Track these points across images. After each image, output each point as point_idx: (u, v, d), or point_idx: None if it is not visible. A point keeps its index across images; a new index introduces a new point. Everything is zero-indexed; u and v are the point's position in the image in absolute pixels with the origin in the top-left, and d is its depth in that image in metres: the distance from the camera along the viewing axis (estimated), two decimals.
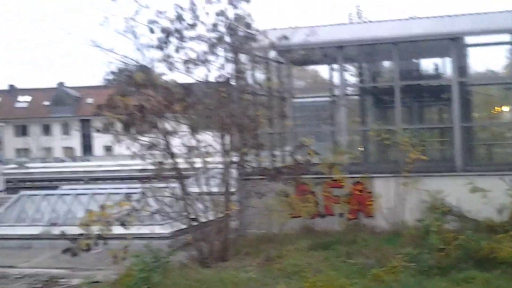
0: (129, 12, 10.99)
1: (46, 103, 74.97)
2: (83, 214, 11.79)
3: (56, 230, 12.83)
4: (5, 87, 77.99)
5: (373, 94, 18.87)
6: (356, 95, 18.92)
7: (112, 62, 11.33)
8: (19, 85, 78.80)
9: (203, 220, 11.49)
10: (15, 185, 32.32)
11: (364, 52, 16.55)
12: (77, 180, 34.59)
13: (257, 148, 11.99)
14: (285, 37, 11.97)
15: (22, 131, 73.46)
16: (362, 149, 18.20)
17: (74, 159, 56.94)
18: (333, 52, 14.45)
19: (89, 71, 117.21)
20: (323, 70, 19.79)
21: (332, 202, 13.51)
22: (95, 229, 10.03)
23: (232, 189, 12.03)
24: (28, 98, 76.77)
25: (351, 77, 18.19)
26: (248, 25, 11.59)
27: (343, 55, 14.44)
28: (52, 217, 15.90)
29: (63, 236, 10.38)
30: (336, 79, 15.78)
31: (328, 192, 13.49)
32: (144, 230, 12.93)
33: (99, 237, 10.02)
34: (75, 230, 10.37)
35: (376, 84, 18.61)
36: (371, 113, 19.06)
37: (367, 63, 18.74)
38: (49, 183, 32.89)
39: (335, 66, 15.70)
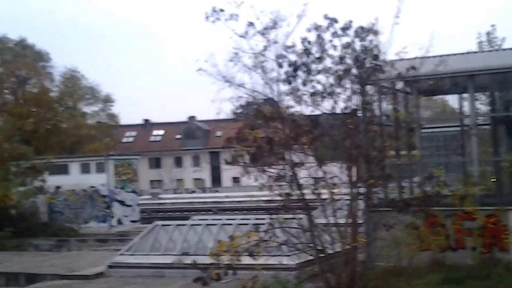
0: (257, 48, 11.28)
1: (178, 136, 78.07)
2: (213, 244, 12.10)
3: (187, 259, 13.22)
4: (140, 121, 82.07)
5: (506, 123, 18.13)
6: (488, 124, 18.27)
7: (241, 96, 11.65)
8: (154, 119, 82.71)
9: (330, 251, 11.45)
10: (149, 215, 33.73)
11: (496, 80, 16.00)
12: (206, 210, 35.59)
13: (384, 179, 11.81)
14: (413, 68, 11.82)
15: (156, 163, 76.65)
16: (495, 180, 17.48)
17: (204, 190, 58.56)
18: (463, 81, 14.11)
19: (218, 105, 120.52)
20: (452, 100, 19.30)
21: (464, 235, 13.07)
22: (225, 259, 10.25)
23: (359, 221, 11.90)
24: (161, 131, 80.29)
25: (482, 106, 17.61)
26: (375, 57, 11.54)
27: (474, 83, 14.05)
28: (183, 247, 16.42)
29: (194, 265, 10.69)
30: (466, 109, 15.34)
31: (459, 224, 13.07)
32: (272, 261, 13.04)
33: (229, 267, 10.23)
34: (205, 260, 10.67)
35: (509, 113, 17.88)
36: (504, 143, 18.30)
37: (499, 92, 18.07)
38: (181, 213, 34.08)
39: (465, 95, 15.29)
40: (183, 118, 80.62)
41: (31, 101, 54.55)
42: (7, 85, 58.30)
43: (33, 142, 42.14)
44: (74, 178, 30.52)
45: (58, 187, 30.38)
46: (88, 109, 63.75)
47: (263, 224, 11.87)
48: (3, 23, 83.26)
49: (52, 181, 29.80)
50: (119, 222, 30.08)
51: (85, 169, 30.69)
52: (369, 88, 12.53)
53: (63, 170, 30.81)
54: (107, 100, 64.77)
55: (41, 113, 53.76)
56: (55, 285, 16.17)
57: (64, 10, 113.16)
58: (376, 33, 11.39)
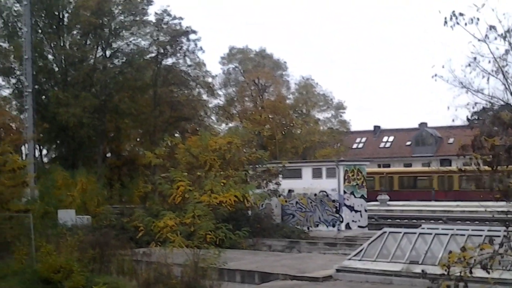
0: (498, 52, 10.78)
1: (408, 143, 76.82)
2: (443, 254, 11.76)
3: (416, 268, 13.02)
4: (371, 128, 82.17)
5: None
6: None
7: (478, 102, 11.21)
8: (384, 125, 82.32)
9: None
10: (377, 222, 33.64)
11: None
12: (436, 219, 34.57)
13: None
14: None
15: None
16: None
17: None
18: None
19: (453, 111, 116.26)
20: None
21: None
22: (456, 271, 9.92)
23: None
24: (391, 138, 79.64)
25: None
26: None
27: None
28: (412, 255, 16.17)
29: (423, 275, 10.49)
30: None
31: None
32: (507, 275, 12.35)
33: (460, 279, 9.88)
34: (435, 270, 10.42)
35: None
36: None
37: None
38: (409, 221, 33.50)
39: None
40: (414, 124, 79.23)
41: (268, 108, 57.33)
42: (248, 93, 61.96)
43: (269, 147, 44.27)
44: (306, 182, 31.47)
45: (291, 191, 31.57)
46: (320, 115, 65.56)
47: (497, 236, 11.27)
48: (246, 35, 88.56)
49: (286, 184, 31.05)
50: (348, 227, 30.40)
51: (317, 174, 31.49)
52: None
53: (296, 174, 31.93)
54: (339, 107, 65.91)
55: (277, 119, 56.30)
56: (286, 285, 16.86)
57: (301, 21, 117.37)
58: None
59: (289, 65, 69.54)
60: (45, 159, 57.20)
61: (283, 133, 57.25)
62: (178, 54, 59.32)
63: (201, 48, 60.72)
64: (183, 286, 17.13)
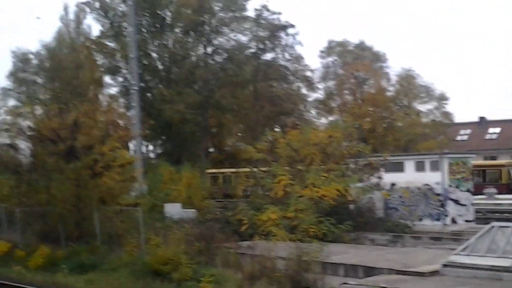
0: None
1: None
2: None
3: None
4: (476, 119, 79.52)
5: None
6: None
7: None
8: (490, 116, 79.40)
9: None
10: (484, 216, 32.57)
11: None
12: None
13: None
14: None
15: None
16: None
17: None
18: None
19: None
20: None
21: None
22: None
23: None
24: (497, 129, 76.72)
25: None
26: None
27: None
28: None
29: None
30: None
31: None
32: None
33: None
34: None
35: None
36: None
37: None
38: None
39: None
40: None
41: (368, 101, 56.84)
42: (347, 86, 61.58)
43: (370, 141, 43.86)
44: (409, 176, 30.89)
45: (393, 184, 31.12)
46: (422, 107, 64.13)
47: None
48: (345, 28, 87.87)
49: (388, 178, 30.63)
50: (453, 221, 29.63)
51: (420, 167, 30.86)
52: None
53: (398, 167, 31.42)
54: (442, 98, 64.22)
55: (377, 112, 55.70)
56: (391, 280, 16.70)
57: (400, 12, 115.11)
58: None
59: (388, 57, 68.29)
60: (151, 155, 59.22)
61: (384, 126, 56.49)
62: (277, 49, 59.81)
63: (299, 42, 60.93)
64: (287, 280, 17.33)
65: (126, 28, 48.68)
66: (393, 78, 63.09)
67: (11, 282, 21.37)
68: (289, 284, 17.23)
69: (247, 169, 34.25)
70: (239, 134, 62.62)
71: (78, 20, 57.32)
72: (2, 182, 30.84)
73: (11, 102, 56.16)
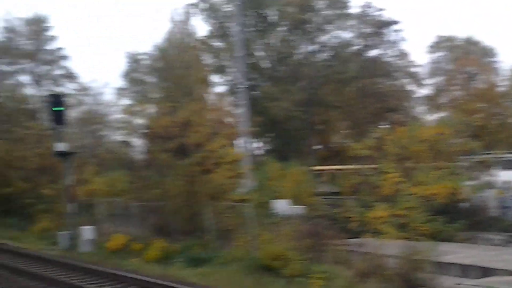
0: None
1: None
2: None
3: None
4: None
5: None
6: None
7: None
8: None
9: None
10: None
11: None
12: None
13: None
14: None
15: None
16: None
17: None
18: None
19: None
20: None
21: None
22: None
23: None
24: None
25: None
26: None
27: None
28: None
29: None
30: None
31: None
32: None
33: None
34: None
35: None
36: None
37: None
38: None
39: None
40: None
41: (479, 97, 55.08)
42: (456, 82, 59.96)
43: (482, 137, 42.43)
44: None
45: (508, 182, 30.02)
46: None
47: None
48: (452, 23, 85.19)
49: (502, 176, 29.60)
50: None
51: None
52: None
53: None
54: None
55: (489, 108, 53.84)
56: (508, 281, 16.19)
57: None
58: None
59: (498, 51, 65.93)
60: (260, 152, 59.99)
61: (497, 122, 54.44)
62: (382, 45, 59.11)
63: (404, 38, 59.82)
64: (398, 278, 17.14)
65: (229, 28, 49.53)
66: (505, 73, 60.86)
67: (129, 273, 22.16)
68: (400, 282, 17.03)
69: (353, 166, 34.03)
70: (345, 131, 62.30)
71: (186, 22, 58.93)
72: (119, 178, 32.22)
73: (126, 101, 58.45)
